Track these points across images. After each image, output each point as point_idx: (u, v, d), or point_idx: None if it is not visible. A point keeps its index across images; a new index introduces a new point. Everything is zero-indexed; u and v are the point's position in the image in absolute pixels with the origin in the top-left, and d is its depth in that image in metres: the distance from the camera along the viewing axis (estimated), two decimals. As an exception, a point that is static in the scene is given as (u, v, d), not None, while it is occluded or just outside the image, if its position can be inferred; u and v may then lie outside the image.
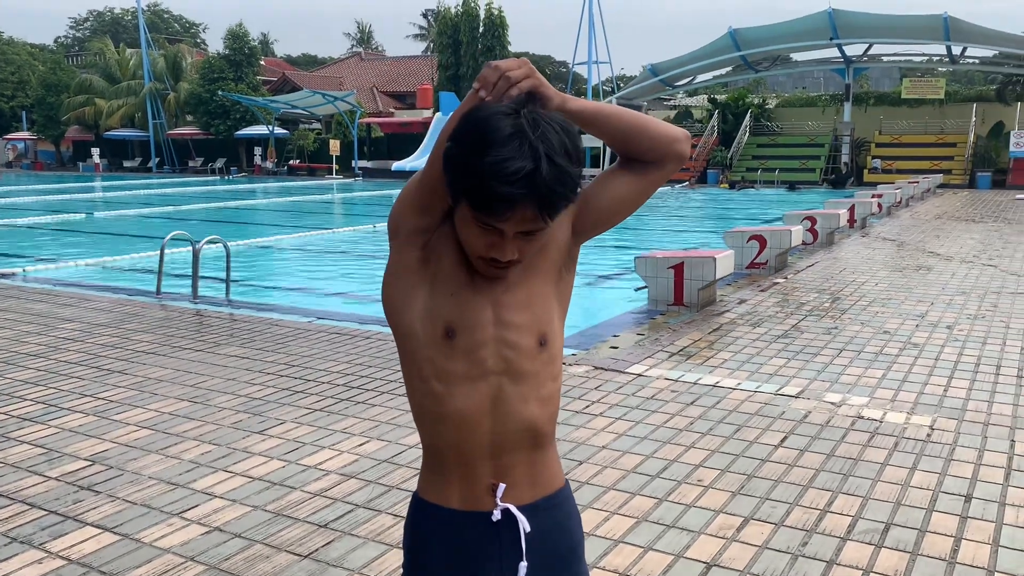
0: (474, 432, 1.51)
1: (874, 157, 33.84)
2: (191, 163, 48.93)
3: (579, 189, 1.42)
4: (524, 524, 1.51)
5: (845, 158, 33.34)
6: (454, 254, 1.50)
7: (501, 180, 1.30)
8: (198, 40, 74.90)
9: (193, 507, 3.70)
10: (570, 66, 47.36)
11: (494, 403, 1.50)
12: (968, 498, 3.79)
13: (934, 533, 3.44)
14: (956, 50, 32.06)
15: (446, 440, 1.54)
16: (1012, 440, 4.54)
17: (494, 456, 1.52)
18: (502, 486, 1.52)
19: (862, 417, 4.93)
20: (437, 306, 1.50)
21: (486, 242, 1.40)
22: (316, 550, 3.30)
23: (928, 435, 4.62)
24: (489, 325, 1.49)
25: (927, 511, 3.65)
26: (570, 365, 6.02)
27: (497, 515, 1.51)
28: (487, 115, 1.35)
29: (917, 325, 7.45)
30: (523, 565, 1.52)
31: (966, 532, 3.45)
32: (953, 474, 4.07)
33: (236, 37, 47.05)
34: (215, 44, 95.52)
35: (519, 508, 1.53)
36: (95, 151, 49.52)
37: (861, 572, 3.13)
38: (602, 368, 5.93)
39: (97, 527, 3.51)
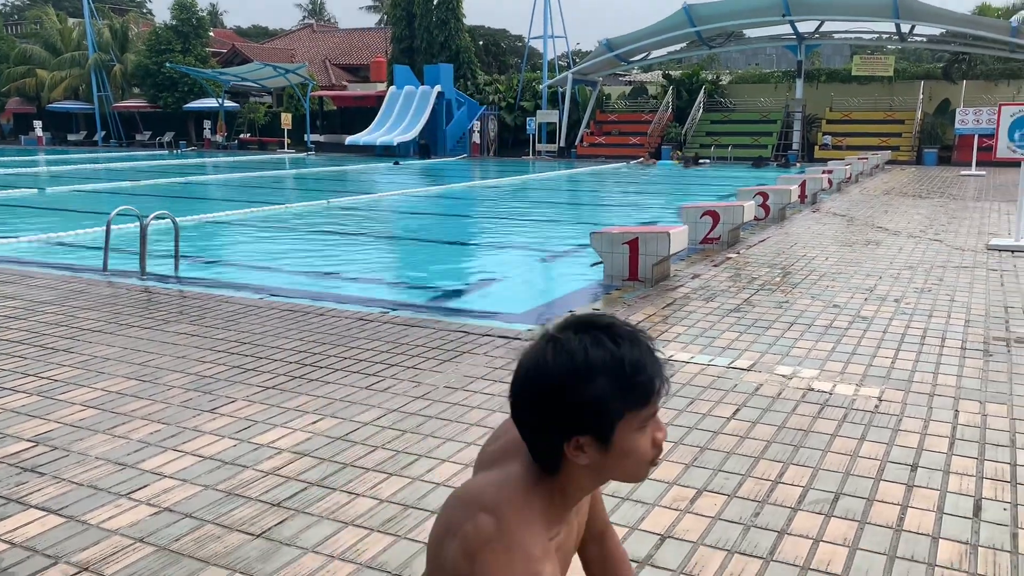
0: None
1: (825, 133, 34.31)
2: (138, 137, 47.80)
3: None
4: None
5: (796, 143, 33.71)
6: None
7: (645, 370, 1.35)
8: (144, 10, 72.77)
9: (142, 487, 3.62)
10: (526, 40, 47.12)
11: None
12: (914, 467, 3.88)
13: (881, 502, 3.52)
14: (905, 28, 32.53)
15: None
16: (956, 410, 4.65)
17: None
18: None
19: (812, 389, 5.01)
20: None
21: (651, 438, 1.40)
22: (269, 529, 3.25)
23: (876, 406, 4.71)
24: None
25: (875, 480, 3.73)
26: (526, 341, 6.02)
27: None
28: (583, 360, 1.33)
29: (866, 299, 7.59)
30: None
31: (912, 500, 3.53)
32: (900, 444, 4.16)
33: (184, 7, 45.90)
34: (162, 14, 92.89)
35: None
36: (37, 124, 48.01)
37: (811, 541, 3.18)
38: (558, 343, 5.93)
39: (41, 509, 3.42)
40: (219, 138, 44.57)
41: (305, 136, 42.18)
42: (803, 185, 16.03)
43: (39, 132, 47.50)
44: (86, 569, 2.95)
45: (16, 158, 34.46)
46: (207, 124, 45.69)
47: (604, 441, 1.34)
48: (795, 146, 33.89)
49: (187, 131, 47.35)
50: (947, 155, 31.18)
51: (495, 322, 6.63)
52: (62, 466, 3.85)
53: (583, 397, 1.31)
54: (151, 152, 41.73)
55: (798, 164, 30.91)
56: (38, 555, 3.05)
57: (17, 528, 3.26)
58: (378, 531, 3.24)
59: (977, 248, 10.68)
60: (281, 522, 3.31)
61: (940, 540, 3.20)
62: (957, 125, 26.02)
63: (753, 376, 5.27)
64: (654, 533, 3.24)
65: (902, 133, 33.52)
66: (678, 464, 3.90)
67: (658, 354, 1.39)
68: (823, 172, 18.69)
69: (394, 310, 7.17)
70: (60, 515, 3.37)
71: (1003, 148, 10.72)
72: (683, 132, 36.87)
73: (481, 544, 1.31)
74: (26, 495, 3.55)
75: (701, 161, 33.44)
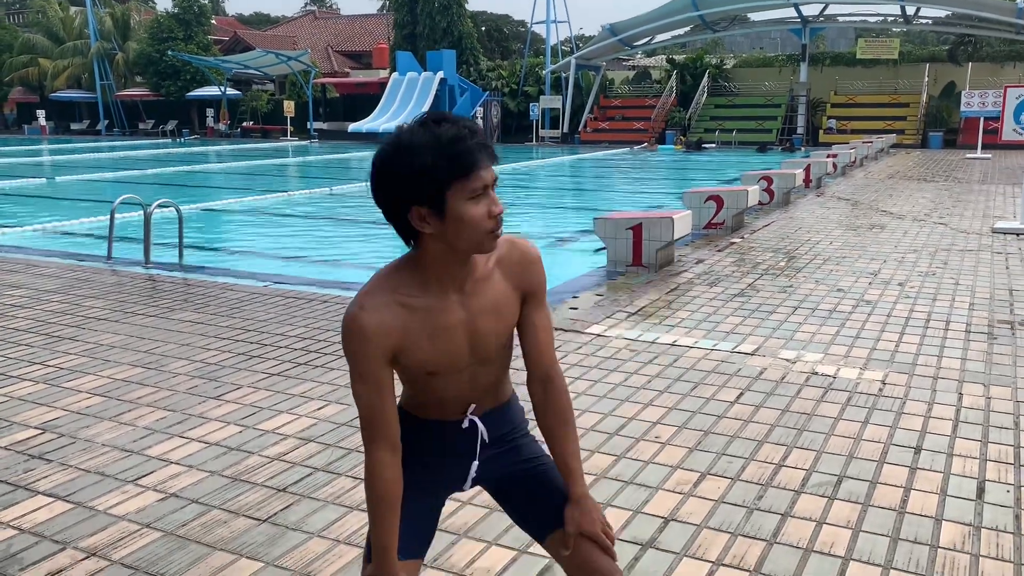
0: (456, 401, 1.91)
1: (829, 117, 34.16)
2: (141, 125, 47.76)
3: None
4: (483, 433, 1.91)
5: (800, 127, 33.54)
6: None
7: (462, 142, 1.60)
8: (145, -2, 72.55)
9: (148, 474, 3.64)
10: (528, 25, 46.90)
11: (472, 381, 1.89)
12: (918, 450, 3.88)
13: (885, 484, 3.53)
14: (910, 10, 32.35)
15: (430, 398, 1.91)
16: (960, 393, 4.65)
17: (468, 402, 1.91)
18: (473, 407, 1.91)
19: (816, 373, 5.02)
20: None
21: (484, 210, 1.66)
22: (275, 514, 3.28)
23: (880, 389, 4.72)
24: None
25: (878, 463, 3.74)
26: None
27: (466, 423, 1.90)
28: (408, 139, 1.63)
29: (870, 283, 7.58)
30: (475, 464, 1.94)
31: (915, 483, 3.54)
32: (903, 427, 4.16)
33: (185, -5, 45.72)
34: (163, 2, 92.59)
35: (480, 417, 1.92)
36: (41, 113, 48.00)
37: (814, 524, 3.20)
38: (561, 329, 5.94)
39: (49, 495, 3.44)
40: (222, 126, 44.53)
41: (308, 124, 42.10)
42: (808, 169, 15.99)
43: (42, 121, 47.49)
44: (94, 554, 2.98)
45: (20, 148, 34.48)
46: (210, 112, 45.64)
47: (439, 210, 1.63)
48: (800, 130, 33.76)
49: (190, 119, 47.30)
50: (952, 138, 31.04)
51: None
52: (69, 453, 3.87)
53: (410, 169, 1.59)
54: (154, 141, 41.73)
55: (803, 148, 30.80)
56: (46, 540, 3.08)
57: (25, 514, 3.28)
58: (383, 516, 3.26)
59: (982, 231, 10.65)
60: (287, 507, 3.33)
61: (943, 522, 3.21)
62: (962, 108, 25.89)
63: (757, 360, 5.27)
64: (658, 516, 3.25)
65: (907, 116, 33.36)
66: (682, 448, 3.91)
67: (481, 138, 1.64)
68: (828, 156, 18.64)
69: (398, 297, 7.17)
70: (68, 501, 3.39)
71: (1008, 130, 10.68)
72: (687, 117, 36.73)
73: (345, 318, 1.71)
74: (34, 482, 3.57)
75: (705, 146, 33.32)
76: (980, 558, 2.95)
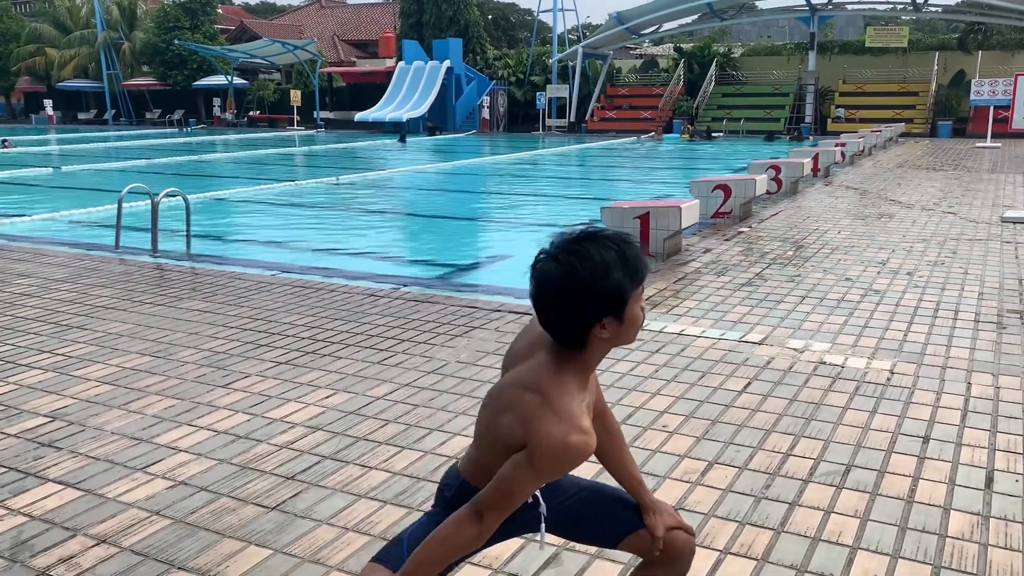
0: None
1: (838, 106, 33.98)
2: (148, 115, 47.80)
3: None
4: (544, 511, 1.98)
5: (809, 116, 33.36)
6: None
7: (637, 257, 1.79)
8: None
9: (157, 461, 3.66)
10: (535, 14, 46.71)
11: None
12: (926, 439, 3.88)
13: (893, 474, 3.52)
14: (920, -2, 32.09)
15: None
16: (968, 382, 4.64)
17: None
18: None
19: (824, 362, 5.00)
20: None
21: (639, 307, 1.82)
22: (283, 501, 3.29)
23: (888, 379, 4.70)
24: None
25: (886, 453, 3.73)
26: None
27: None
28: (600, 259, 1.74)
29: (878, 272, 7.56)
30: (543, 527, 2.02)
31: (923, 472, 3.53)
32: (912, 416, 4.15)
33: (191, -16, 45.64)
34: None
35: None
36: (48, 103, 48.07)
37: (822, 513, 3.19)
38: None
39: (59, 483, 3.46)
40: (229, 116, 44.55)
41: (315, 113, 42.07)
42: (816, 158, 15.91)
43: (50, 111, 47.58)
44: (104, 541, 2.99)
45: (28, 137, 34.56)
46: (216, 102, 45.64)
47: (620, 317, 1.76)
48: (808, 119, 33.60)
49: (197, 109, 47.31)
50: (962, 127, 30.86)
51: (506, 297, 6.64)
52: (78, 441, 3.89)
53: (607, 288, 1.72)
54: (161, 130, 41.75)
55: (811, 137, 30.65)
56: (57, 527, 3.10)
57: (36, 501, 3.30)
58: (391, 503, 3.27)
59: (991, 220, 10.60)
60: (295, 495, 3.35)
61: (951, 511, 3.21)
62: (972, 96, 25.70)
63: (764, 350, 5.26)
64: (665, 505, 3.25)
65: (916, 105, 33.16)
66: (689, 437, 3.91)
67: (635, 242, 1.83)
68: (836, 145, 18.54)
69: (405, 286, 7.18)
70: (78, 488, 3.41)
71: (1019, 119, 10.61)
72: (695, 106, 36.59)
73: (531, 412, 1.70)
74: (44, 469, 3.59)
75: (714, 135, 33.19)
76: (989, 547, 2.95)
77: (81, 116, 50.48)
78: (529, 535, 2.09)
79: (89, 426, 4.06)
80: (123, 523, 3.13)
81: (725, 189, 10.71)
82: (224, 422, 4.11)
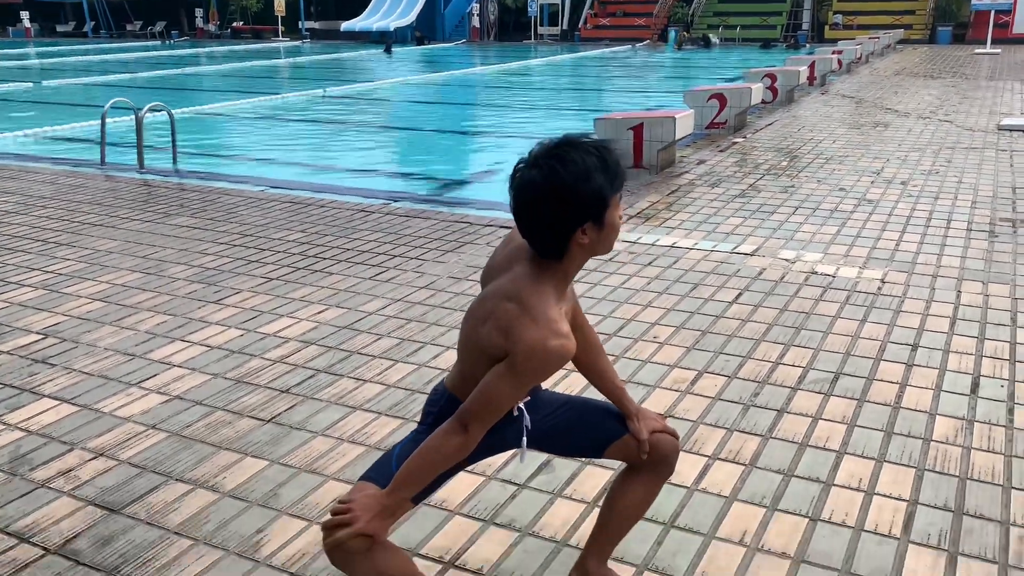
0: None
1: (835, 12, 33.23)
2: (129, 27, 46.47)
3: None
4: (528, 422, 1.99)
5: (806, 23, 32.62)
6: None
7: (617, 162, 1.78)
8: None
9: (152, 376, 3.68)
10: (526, -83, 45.01)
11: None
12: (915, 347, 3.91)
13: (881, 381, 3.57)
14: None
15: None
16: (958, 291, 4.66)
17: None
18: None
19: (815, 272, 5.01)
20: None
21: (618, 214, 1.83)
22: (279, 414, 3.32)
23: (879, 288, 4.72)
24: None
25: (875, 360, 3.77)
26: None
27: (515, 411, 1.96)
28: (583, 164, 1.71)
29: (872, 182, 7.51)
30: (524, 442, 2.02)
31: (911, 379, 3.58)
32: (901, 324, 4.18)
33: None
34: None
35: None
36: (24, 15, 46.58)
37: (810, 419, 3.24)
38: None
39: (55, 399, 3.48)
40: (212, 27, 43.37)
41: (300, 23, 40.97)
42: (812, 66, 15.64)
43: (26, 23, 46.17)
44: (102, 454, 3.03)
45: (5, 51, 33.64)
46: (199, 12, 44.32)
47: (600, 222, 1.77)
48: (805, 26, 32.90)
49: (179, 20, 45.99)
50: (962, 33, 30.24)
51: (497, 212, 6.59)
52: (72, 357, 3.90)
53: (589, 191, 1.71)
54: (143, 43, 40.65)
55: (808, 45, 30.06)
56: (54, 441, 3.13)
57: (32, 416, 3.33)
58: (386, 415, 3.31)
59: (988, 128, 10.49)
60: (290, 408, 3.38)
61: (937, 416, 3.26)
62: (973, 0, 25.13)
63: (756, 261, 5.26)
64: (656, 414, 3.29)
65: (916, 11, 32.44)
66: (679, 347, 3.94)
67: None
68: (833, 53, 18.23)
69: (395, 201, 7.12)
70: (73, 404, 3.43)
71: (1021, 23, 10.36)
72: (690, 12, 35.72)
73: (510, 320, 1.72)
74: (39, 385, 3.61)
75: (713, 41, 32.49)
76: (971, 450, 3.01)
77: (60, 28, 49.06)
78: (513, 451, 2.08)
79: (82, 343, 4.07)
80: (120, 437, 3.16)
81: (720, 99, 10.54)
82: (217, 337, 4.12)
